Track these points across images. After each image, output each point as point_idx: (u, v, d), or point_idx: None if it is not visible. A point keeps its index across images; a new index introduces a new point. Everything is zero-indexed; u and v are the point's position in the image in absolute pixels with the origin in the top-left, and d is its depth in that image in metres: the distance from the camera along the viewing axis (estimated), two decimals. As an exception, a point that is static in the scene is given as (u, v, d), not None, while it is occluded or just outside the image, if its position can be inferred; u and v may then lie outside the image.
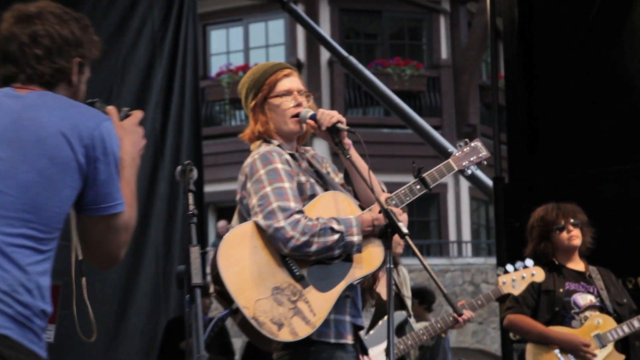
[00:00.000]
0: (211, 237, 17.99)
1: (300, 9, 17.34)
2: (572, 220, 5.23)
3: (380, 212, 3.48)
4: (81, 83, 2.51)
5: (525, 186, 7.24)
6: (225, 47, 20.44)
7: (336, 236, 3.39)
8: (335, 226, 3.41)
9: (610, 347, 5.05)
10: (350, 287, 3.49)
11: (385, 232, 3.32)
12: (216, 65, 20.16)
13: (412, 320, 5.13)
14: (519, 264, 5.09)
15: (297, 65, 19.39)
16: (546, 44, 7.31)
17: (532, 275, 5.04)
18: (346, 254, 3.45)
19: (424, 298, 8.78)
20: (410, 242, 3.24)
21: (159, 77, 6.42)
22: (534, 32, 7.38)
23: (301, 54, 19.66)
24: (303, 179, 3.53)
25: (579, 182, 6.90)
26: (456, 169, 3.81)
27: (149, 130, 6.29)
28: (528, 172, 7.30)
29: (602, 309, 5.13)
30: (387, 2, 20.32)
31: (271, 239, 3.38)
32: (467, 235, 20.18)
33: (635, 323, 5.02)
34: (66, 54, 2.44)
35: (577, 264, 5.28)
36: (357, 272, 3.49)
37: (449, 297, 3.20)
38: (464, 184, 19.24)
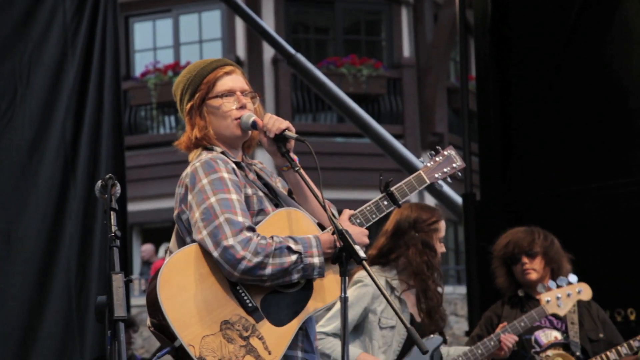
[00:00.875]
0: (136, 264, 17.85)
1: (239, -2, 17.37)
2: (526, 252, 5.30)
3: (350, 218, 3.51)
4: None
5: (499, 204, 7.32)
6: (151, 43, 20.37)
7: (294, 257, 3.38)
8: (293, 246, 3.40)
9: None
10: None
11: (339, 256, 3.33)
12: (141, 63, 20.07)
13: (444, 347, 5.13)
14: (561, 279, 5.19)
15: (237, 63, 19.38)
16: (523, 41, 7.40)
17: (579, 292, 5.16)
18: (306, 278, 3.44)
19: None
20: (369, 268, 3.26)
21: (70, 78, 6.36)
22: (510, 27, 7.47)
23: (241, 51, 19.67)
24: (250, 191, 3.53)
25: (560, 199, 7.00)
26: (428, 182, 3.83)
27: (57, 141, 6.24)
28: (502, 188, 7.37)
29: (567, 346, 5.24)
30: (341, -8, 20.46)
31: (217, 263, 3.36)
32: (433, 261, 20.28)
33: None
34: None
35: None
36: (318, 302, 3.48)
37: (413, 333, 3.23)
38: (430, 201, 19.35)
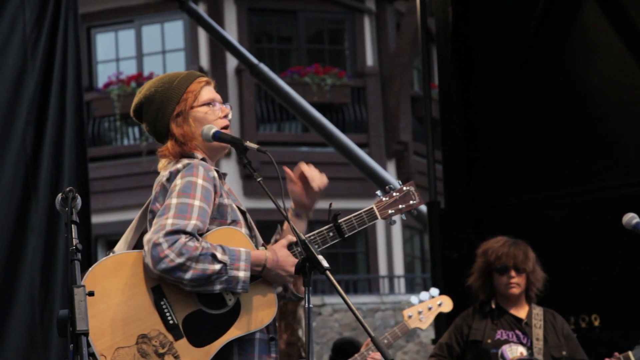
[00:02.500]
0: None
1: (201, 9, 17.37)
2: (516, 266, 5.32)
3: (290, 246, 3.50)
4: None
5: (464, 212, 7.34)
6: (114, 54, 20.28)
7: (218, 266, 3.35)
8: (219, 255, 3.37)
9: None
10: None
11: (303, 266, 3.33)
12: (104, 74, 19.98)
13: None
14: (424, 294, 5.25)
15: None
16: (485, 48, 7.44)
17: (439, 305, 5.22)
18: (230, 290, 3.40)
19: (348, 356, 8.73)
20: (332, 278, 3.26)
21: (30, 90, 6.31)
22: (471, 34, 7.51)
23: (204, 61, 19.64)
24: (226, 201, 3.54)
25: (524, 206, 7.04)
26: (379, 218, 3.76)
27: (17, 154, 6.18)
28: (467, 196, 7.40)
29: None
30: (303, 1, 20.48)
31: (144, 257, 3.34)
32: (399, 269, 20.34)
33: None
34: None
35: (518, 309, 5.43)
36: (241, 329, 3.43)
37: (378, 342, 3.23)
38: (395, 210, 19.40)
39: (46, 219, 6.26)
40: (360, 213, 3.75)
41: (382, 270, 20.20)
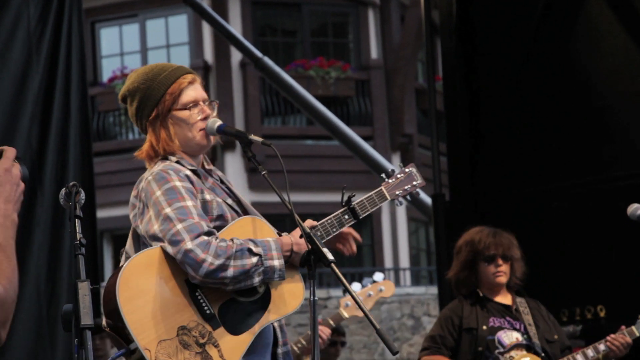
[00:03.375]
0: (107, 270, 17.76)
1: (205, 2, 17.34)
2: (504, 254, 5.32)
3: (300, 236, 3.49)
4: None
5: (469, 204, 7.34)
6: (118, 48, 20.29)
7: (254, 259, 3.39)
8: (253, 248, 3.42)
9: None
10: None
11: (307, 259, 3.33)
12: (108, 69, 19.99)
13: None
14: (366, 280, 5.23)
15: (204, 68, 19.34)
16: (489, 40, 7.43)
17: (380, 291, 5.19)
18: (267, 281, 3.45)
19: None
20: (336, 270, 3.26)
21: (35, 85, 6.32)
22: (475, 27, 7.49)
23: (208, 55, 19.63)
24: (208, 197, 3.54)
25: (529, 198, 7.03)
26: (389, 198, 3.86)
27: (23, 149, 6.18)
28: (472, 188, 7.40)
29: (529, 347, 5.26)
30: (308, -6, 20.46)
31: (181, 266, 3.37)
32: (405, 261, 20.35)
33: None
34: None
35: (503, 297, 5.43)
36: (275, 313, 3.50)
37: (383, 334, 3.22)
38: (400, 203, 19.40)
39: (51, 213, 6.26)
40: (371, 195, 3.82)
41: (388, 262, 20.21)
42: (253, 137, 3.58)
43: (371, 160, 10.01)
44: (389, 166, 10.22)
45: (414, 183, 3.92)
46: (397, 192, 3.88)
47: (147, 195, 3.49)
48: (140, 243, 3.53)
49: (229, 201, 3.61)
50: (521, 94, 7.11)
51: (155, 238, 3.43)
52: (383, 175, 3.91)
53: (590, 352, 5.19)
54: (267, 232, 3.55)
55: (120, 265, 3.50)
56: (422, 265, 21.24)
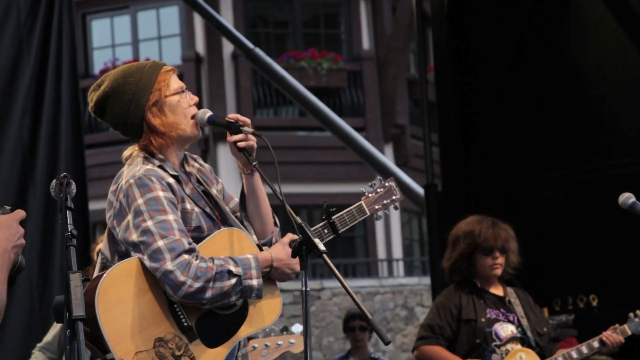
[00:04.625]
0: (99, 264, 17.74)
1: (197, -6, 17.28)
2: (502, 247, 5.34)
3: (290, 245, 3.50)
4: None
5: (461, 194, 7.35)
6: (109, 40, 20.25)
7: (233, 280, 3.40)
8: (233, 268, 3.42)
9: None
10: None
11: (299, 250, 3.34)
12: (100, 61, 19.95)
13: None
14: (279, 331, 5.12)
15: (196, 59, 19.32)
16: (481, 30, 7.43)
17: (290, 344, 5.09)
18: (244, 299, 3.47)
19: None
20: (328, 261, 3.26)
21: (26, 77, 6.31)
22: (466, 17, 7.50)
23: (200, 47, 19.61)
24: (188, 207, 3.52)
25: (521, 187, 7.05)
26: (368, 213, 3.89)
27: (15, 141, 6.18)
28: (464, 178, 7.41)
29: (523, 341, 5.29)
30: (299, -15, 20.44)
31: (160, 283, 3.37)
32: (398, 252, 20.37)
33: (574, 354, 5.20)
34: None
35: (497, 288, 5.46)
36: (252, 326, 3.51)
37: (375, 324, 3.23)
38: (393, 194, 19.42)
39: (43, 206, 6.27)
40: (351, 209, 3.84)
41: (381, 253, 20.23)
42: (244, 128, 3.57)
43: (364, 152, 10.01)
44: (382, 159, 10.23)
45: (393, 197, 3.96)
46: (377, 207, 3.92)
47: (127, 200, 3.44)
48: (116, 244, 3.50)
49: (207, 210, 3.58)
50: (513, 84, 7.12)
51: (134, 247, 3.41)
52: (363, 189, 3.93)
53: (584, 349, 5.21)
54: (247, 246, 3.54)
55: (98, 270, 3.49)
56: (415, 255, 21.26)
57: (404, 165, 18.59)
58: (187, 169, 3.66)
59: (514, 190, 7.06)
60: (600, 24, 6.81)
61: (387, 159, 10.76)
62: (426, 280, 17.19)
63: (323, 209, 3.60)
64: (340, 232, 3.78)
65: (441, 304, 5.42)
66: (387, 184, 3.95)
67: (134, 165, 3.54)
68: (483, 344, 5.26)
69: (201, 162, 3.76)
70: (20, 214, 2.61)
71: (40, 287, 6.24)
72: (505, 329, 5.28)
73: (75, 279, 2.46)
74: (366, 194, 3.91)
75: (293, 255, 3.43)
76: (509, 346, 5.24)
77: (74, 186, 2.78)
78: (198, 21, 19.23)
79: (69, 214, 2.70)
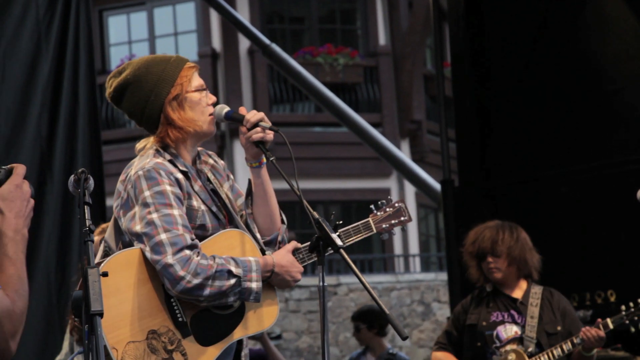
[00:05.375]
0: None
1: (213, -10, 17.29)
2: (492, 251, 5.40)
3: (294, 252, 3.53)
4: None
5: (477, 189, 7.33)
6: (126, 36, 20.28)
7: (233, 281, 3.39)
8: (234, 269, 3.40)
9: None
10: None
11: (317, 245, 3.33)
12: (116, 57, 19.99)
13: None
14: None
15: (212, 55, 19.33)
16: (498, 25, 7.41)
17: None
18: (242, 301, 3.46)
19: (372, 321, 8.78)
20: (346, 256, 3.26)
21: (45, 73, 6.33)
22: (483, 12, 7.47)
23: (216, 43, 19.62)
24: (195, 204, 3.51)
25: (538, 183, 7.02)
26: (375, 230, 3.86)
27: (33, 137, 6.19)
28: (480, 174, 7.39)
29: (522, 341, 5.35)
30: (315, -19, 20.42)
31: (159, 276, 3.37)
32: (414, 248, 20.35)
33: (543, 358, 5.24)
34: None
35: (514, 290, 5.49)
36: (246, 329, 3.49)
37: (392, 319, 3.23)
38: (410, 189, 19.41)
39: (61, 201, 6.28)
40: (358, 224, 3.82)
41: (397, 249, 20.21)
42: (262, 123, 3.56)
43: (380, 147, 10.00)
44: (398, 154, 10.21)
45: (402, 219, 3.92)
46: (384, 226, 3.89)
47: (134, 191, 3.44)
48: (121, 235, 3.50)
49: (214, 209, 3.57)
50: (530, 79, 7.09)
51: (137, 237, 3.41)
52: (372, 206, 3.91)
53: (566, 345, 5.23)
54: (250, 249, 3.53)
55: (100, 257, 3.49)
56: (431, 251, 21.23)
57: (420, 161, 18.55)
58: (199, 166, 3.65)
59: (531, 186, 7.04)
60: (618, 18, 6.77)
61: (403, 154, 10.74)
62: (443, 276, 17.17)
63: (330, 220, 3.58)
64: (344, 246, 3.74)
65: (455, 311, 5.65)
66: (397, 205, 3.92)
67: (145, 157, 3.54)
68: (484, 347, 5.37)
69: (216, 158, 3.75)
70: (19, 169, 2.51)
71: (58, 282, 6.25)
72: (509, 330, 5.36)
73: (93, 274, 2.46)
74: (374, 211, 3.89)
75: (310, 251, 3.42)
76: (508, 347, 5.32)
77: (91, 181, 2.78)
78: (214, 17, 19.24)
79: (87, 209, 2.70)
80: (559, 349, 5.22)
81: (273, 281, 3.52)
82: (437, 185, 8.93)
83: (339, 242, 3.28)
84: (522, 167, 7.14)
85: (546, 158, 7.02)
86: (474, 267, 5.49)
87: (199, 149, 3.69)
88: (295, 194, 3.39)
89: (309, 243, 3.57)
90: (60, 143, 6.36)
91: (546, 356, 5.22)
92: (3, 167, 2.55)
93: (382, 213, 3.88)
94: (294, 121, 19.57)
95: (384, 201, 3.91)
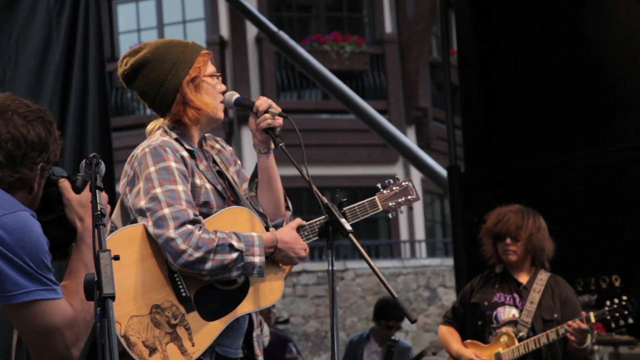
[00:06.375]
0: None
1: (221, -22, 17.31)
2: (512, 234, 5.44)
3: (299, 229, 3.51)
4: (41, 187, 2.62)
5: (483, 176, 7.33)
6: (135, 24, 20.29)
7: (235, 255, 3.38)
8: (235, 243, 3.39)
9: None
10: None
11: (326, 230, 3.33)
12: (125, 45, 19.99)
13: None
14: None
15: (220, 43, 19.32)
16: (503, 12, 7.39)
17: None
18: (245, 275, 3.45)
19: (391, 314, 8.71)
20: (354, 240, 3.26)
21: (56, 60, 6.34)
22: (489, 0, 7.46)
23: (224, 31, 19.61)
24: (198, 182, 3.50)
25: (544, 169, 7.02)
26: (381, 208, 3.83)
27: None
28: (486, 160, 7.39)
29: (517, 324, 5.40)
30: (322, -31, 20.38)
31: (161, 250, 3.37)
32: (420, 233, 20.36)
33: (531, 345, 5.28)
34: (30, 160, 2.55)
35: (522, 274, 5.54)
36: (250, 305, 3.48)
37: (401, 303, 3.24)
38: (416, 175, 19.40)
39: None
40: (364, 203, 3.79)
41: (404, 235, 20.22)
42: (271, 109, 3.56)
43: (386, 134, 9.99)
44: (405, 141, 10.20)
45: (409, 197, 3.88)
46: (390, 204, 3.85)
47: (140, 167, 3.45)
48: (127, 215, 3.51)
49: (219, 188, 3.56)
50: (535, 66, 7.08)
51: (141, 213, 3.41)
52: (379, 185, 3.88)
53: (552, 334, 5.25)
54: (255, 226, 3.52)
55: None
56: (437, 237, 21.24)
57: (426, 148, 18.54)
58: (205, 148, 3.65)
59: (537, 172, 7.04)
60: (622, 5, 6.76)
61: (409, 141, 10.74)
62: (448, 262, 17.19)
63: (335, 199, 3.56)
64: (350, 223, 3.74)
65: (465, 288, 5.71)
66: (404, 183, 3.88)
67: (152, 137, 3.56)
68: (483, 326, 5.44)
69: (223, 144, 3.76)
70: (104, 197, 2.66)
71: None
72: (507, 313, 5.42)
73: (105, 257, 2.47)
74: (381, 190, 3.86)
75: (320, 236, 3.42)
76: (503, 329, 5.38)
77: (103, 166, 2.79)
78: (222, 5, 19.23)
79: (98, 193, 2.71)
80: (545, 337, 5.25)
81: (277, 257, 3.51)
82: (443, 172, 8.93)
83: (348, 227, 3.28)
84: (528, 153, 7.14)
85: (551, 144, 7.02)
86: (490, 245, 5.54)
87: (207, 134, 3.69)
88: (305, 179, 3.39)
89: (313, 221, 3.58)
90: (70, 129, 6.37)
91: (533, 343, 5.25)
92: (79, 174, 2.70)
93: (388, 191, 3.85)
94: (302, 108, 19.57)
95: (391, 180, 3.89)
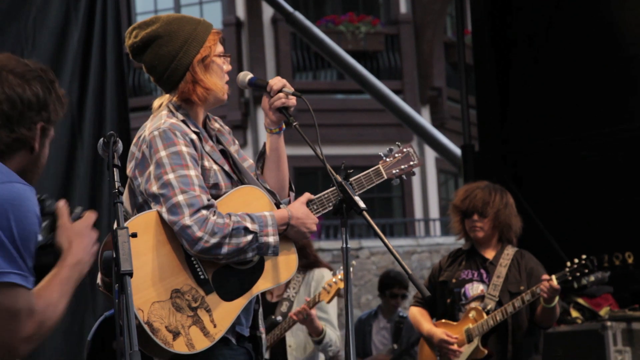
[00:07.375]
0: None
1: (237, -41, 17.27)
2: (479, 211, 5.41)
3: (308, 203, 3.51)
4: (44, 147, 2.56)
5: (497, 154, 7.32)
6: (152, 5, 20.28)
7: (250, 237, 3.37)
8: (250, 225, 3.38)
9: (475, 341, 5.31)
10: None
11: (340, 207, 3.33)
12: (143, 26, 20.00)
13: None
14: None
15: (237, 24, 19.29)
16: (518, -8, 7.36)
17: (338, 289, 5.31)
18: (260, 255, 3.45)
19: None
20: (368, 218, 3.26)
21: (74, 41, 6.34)
22: (504, -21, 7.43)
23: (240, 12, 19.58)
24: (207, 164, 3.48)
25: (557, 147, 7.00)
26: (385, 177, 3.81)
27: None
28: (500, 139, 7.37)
29: (484, 299, 5.39)
30: (337, -50, 20.31)
31: (177, 237, 3.36)
32: (434, 212, 20.35)
33: (498, 316, 5.26)
34: (28, 120, 2.48)
35: (488, 250, 5.52)
36: (267, 282, 3.49)
37: (415, 279, 3.24)
38: (430, 154, 19.39)
39: (91, 165, 6.31)
40: (368, 172, 3.77)
41: (418, 213, 20.21)
42: (285, 89, 3.55)
43: (401, 113, 9.98)
44: (420, 120, 10.19)
45: (411, 163, 3.86)
46: (394, 171, 3.83)
47: (150, 151, 3.41)
48: (136, 196, 3.48)
49: (226, 167, 3.54)
50: (549, 46, 7.05)
51: (154, 198, 3.38)
52: (381, 153, 3.87)
53: (517, 302, 5.24)
54: (265, 204, 3.51)
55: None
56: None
57: (441, 127, 18.51)
58: (208, 127, 3.63)
59: (551, 151, 7.02)
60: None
61: (424, 120, 10.71)
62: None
63: (341, 170, 3.55)
64: (357, 194, 3.72)
65: (433, 268, 5.71)
66: (405, 150, 3.87)
67: (158, 118, 3.51)
68: (453, 303, 5.43)
69: (221, 123, 3.72)
70: (91, 218, 2.61)
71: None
72: (475, 289, 5.41)
73: (123, 234, 2.47)
74: (384, 158, 3.83)
75: (334, 213, 3.42)
76: (472, 304, 5.37)
77: (120, 144, 2.78)
78: (238, -14, 19.20)
79: (115, 171, 2.71)
80: (511, 306, 5.22)
81: (289, 233, 3.50)
82: (457, 151, 8.92)
83: (361, 204, 3.28)
84: (541, 131, 7.12)
85: (565, 123, 7.00)
86: (457, 222, 5.52)
87: (207, 113, 3.67)
88: (319, 157, 3.38)
89: (322, 194, 3.57)
90: (89, 109, 6.38)
91: (501, 313, 5.24)
92: (76, 209, 2.63)
93: (391, 159, 3.84)
94: (317, 88, 19.54)
95: (392, 147, 3.87)
